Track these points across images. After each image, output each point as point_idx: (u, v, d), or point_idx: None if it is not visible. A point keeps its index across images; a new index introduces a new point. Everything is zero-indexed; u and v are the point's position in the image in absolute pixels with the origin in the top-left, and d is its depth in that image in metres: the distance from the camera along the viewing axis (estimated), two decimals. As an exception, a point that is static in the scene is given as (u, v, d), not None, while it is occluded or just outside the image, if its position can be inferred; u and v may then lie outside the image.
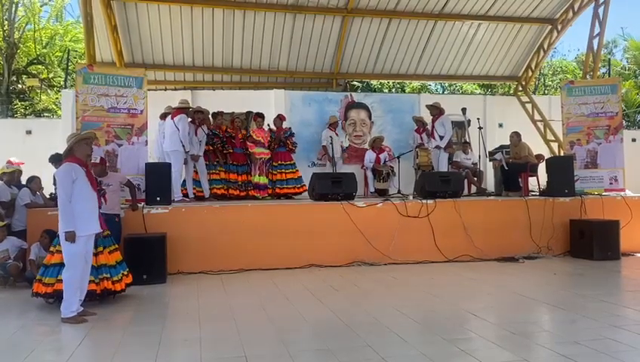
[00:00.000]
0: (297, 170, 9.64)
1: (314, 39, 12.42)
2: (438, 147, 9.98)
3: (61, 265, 5.08)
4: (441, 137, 9.82)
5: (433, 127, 10.04)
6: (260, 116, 9.47)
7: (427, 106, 10.33)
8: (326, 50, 12.76)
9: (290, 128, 9.87)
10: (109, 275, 5.41)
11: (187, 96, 11.53)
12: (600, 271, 7.04)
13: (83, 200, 4.86)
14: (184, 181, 8.81)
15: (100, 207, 5.20)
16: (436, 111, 10.02)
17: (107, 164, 7.04)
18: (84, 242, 4.85)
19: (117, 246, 5.82)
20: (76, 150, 5.05)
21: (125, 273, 5.66)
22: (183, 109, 8.42)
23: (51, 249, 5.39)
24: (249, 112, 10.15)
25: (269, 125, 9.58)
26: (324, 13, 11.89)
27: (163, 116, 8.91)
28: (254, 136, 9.22)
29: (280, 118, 9.76)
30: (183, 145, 8.24)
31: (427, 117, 10.70)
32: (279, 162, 9.48)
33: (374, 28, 12.47)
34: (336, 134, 10.88)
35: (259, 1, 11.37)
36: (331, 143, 10.35)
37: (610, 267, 7.34)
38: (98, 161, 6.79)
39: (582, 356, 3.64)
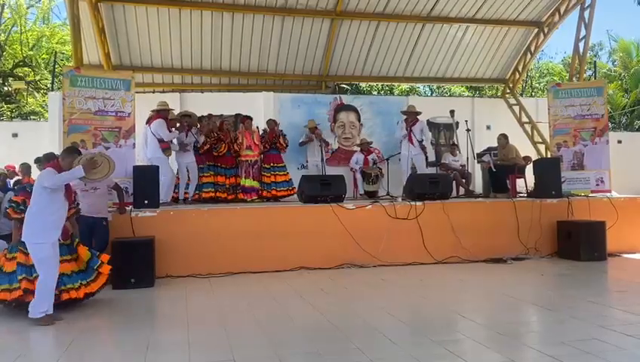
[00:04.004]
0: (287, 173, 9.65)
1: (303, 41, 12.42)
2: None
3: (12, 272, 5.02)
4: (420, 141, 9.70)
5: (411, 131, 9.71)
6: (248, 118, 9.46)
7: (402, 113, 10.15)
8: (315, 53, 12.76)
9: (282, 130, 9.87)
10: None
11: (175, 99, 11.50)
12: (587, 272, 7.11)
13: (55, 208, 4.85)
14: (177, 185, 8.80)
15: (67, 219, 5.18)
16: (413, 116, 9.80)
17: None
18: (50, 247, 4.82)
19: (73, 255, 5.45)
20: (62, 160, 5.00)
21: (84, 283, 5.35)
22: (160, 113, 8.41)
23: (7, 256, 5.20)
24: (238, 115, 10.14)
25: (257, 127, 9.56)
26: (312, 15, 11.89)
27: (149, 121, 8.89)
28: (241, 138, 9.20)
29: (274, 122, 9.76)
30: (179, 144, 8.52)
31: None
32: (271, 164, 9.49)
33: (363, 30, 12.50)
34: (315, 137, 10.76)
35: (247, 3, 11.35)
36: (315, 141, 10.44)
37: (597, 268, 7.42)
38: None
39: (569, 356, 3.67)
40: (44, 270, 4.78)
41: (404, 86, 21.36)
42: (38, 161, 8.35)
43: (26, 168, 8.53)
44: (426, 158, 9.98)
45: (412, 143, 9.73)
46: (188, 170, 8.84)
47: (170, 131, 8.41)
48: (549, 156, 10.96)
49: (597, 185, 9.76)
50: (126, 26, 11.33)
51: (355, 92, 19.46)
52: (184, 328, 4.61)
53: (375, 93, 21.45)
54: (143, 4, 10.97)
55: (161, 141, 8.30)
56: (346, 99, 12.83)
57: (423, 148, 9.81)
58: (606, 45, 25.98)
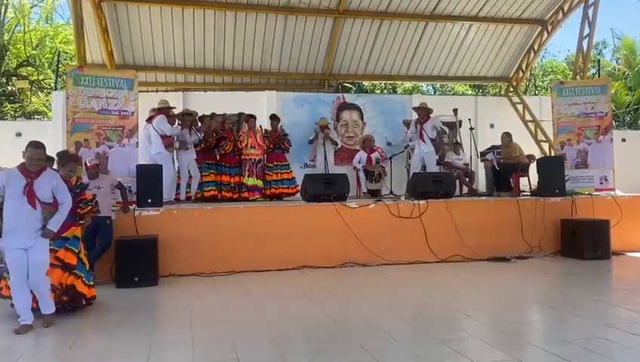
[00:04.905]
0: (291, 171, 9.67)
1: (305, 40, 12.42)
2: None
3: None
4: (432, 140, 9.68)
5: (422, 129, 9.68)
6: (251, 117, 9.46)
7: (414, 109, 10.21)
8: (318, 52, 12.76)
9: (283, 130, 9.87)
10: None
11: (179, 98, 11.52)
12: (591, 271, 7.08)
13: (9, 212, 4.49)
14: (178, 185, 8.80)
15: (43, 224, 4.60)
16: (424, 112, 9.79)
17: (100, 166, 7.02)
18: (8, 253, 4.54)
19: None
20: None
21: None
22: (161, 110, 8.42)
23: None
24: (241, 114, 10.13)
25: (261, 126, 9.56)
26: (315, 14, 11.90)
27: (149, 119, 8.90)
28: (244, 137, 9.20)
29: (277, 120, 9.76)
30: (180, 142, 8.44)
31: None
32: (274, 163, 9.50)
33: (366, 29, 12.49)
34: (324, 137, 10.80)
35: (250, 2, 11.36)
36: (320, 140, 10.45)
37: (601, 266, 7.38)
38: (97, 162, 6.78)
39: (573, 355, 3.65)
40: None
41: (408, 84, 21.35)
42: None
43: None
44: (442, 156, 10.00)
45: (424, 141, 9.64)
46: (189, 169, 8.84)
47: (172, 126, 8.43)
48: (552, 154, 10.93)
49: (601, 183, 9.73)
50: (129, 25, 11.35)
51: (358, 91, 19.45)
52: (187, 327, 4.61)
53: (378, 91, 21.45)
54: (146, 3, 11.00)
55: (163, 137, 8.30)
56: (349, 97, 12.82)
57: (437, 145, 9.75)
58: (610, 43, 25.92)
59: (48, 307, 4.75)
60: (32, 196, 4.49)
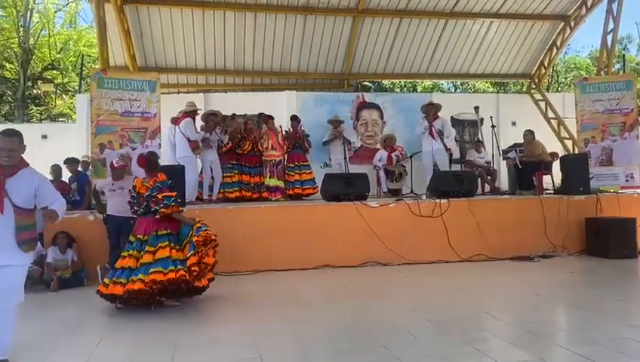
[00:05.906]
0: (312, 171, 9.70)
1: (325, 40, 12.43)
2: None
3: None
4: (442, 139, 9.57)
5: (432, 127, 9.56)
6: (270, 118, 9.50)
7: (422, 108, 10.00)
8: (337, 51, 12.76)
9: (304, 131, 9.90)
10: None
11: (200, 99, 11.59)
12: (616, 270, 6.96)
13: None
14: (201, 183, 8.87)
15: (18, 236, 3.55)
16: (432, 110, 9.70)
17: (126, 167, 7.12)
18: None
19: (162, 244, 5.40)
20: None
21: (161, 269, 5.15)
22: (188, 113, 8.48)
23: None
24: (261, 114, 10.19)
25: (280, 126, 9.60)
26: (334, 14, 11.89)
27: (175, 120, 8.97)
28: (265, 139, 9.24)
29: (297, 121, 9.80)
30: (202, 140, 8.47)
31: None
32: (295, 163, 9.54)
33: (385, 28, 12.45)
34: (337, 135, 10.80)
35: (269, 3, 11.41)
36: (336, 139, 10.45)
37: (627, 265, 7.25)
38: (123, 163, 6.88)
39: (599, 355, 3.60)
40: None
41: (428, 83, 21.24)
42: (67, 161, 8.52)
43: (57, 170, 8.62)
44: (450, 156, 9.84)
45: (433, 138, 9.56)
46: (211, 168, 8.90)
47: (197, 131, 8.50)
48: (576, 152, 10.77)
49: (626, 180, 9.56)
50: (151, 28, 11.49)
51: (377, 90, 19.40)
52: (210, 327, 4.66)
53: (398, 90, 21.36)
54: (167, 6, 11.12)
55: (190, 140, 8.36)
56: (369, 97, 12.78)
57: (445, 145, 9.66)
58: (635, 38, 25.42)
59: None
60: (2, 206, 3.47)
